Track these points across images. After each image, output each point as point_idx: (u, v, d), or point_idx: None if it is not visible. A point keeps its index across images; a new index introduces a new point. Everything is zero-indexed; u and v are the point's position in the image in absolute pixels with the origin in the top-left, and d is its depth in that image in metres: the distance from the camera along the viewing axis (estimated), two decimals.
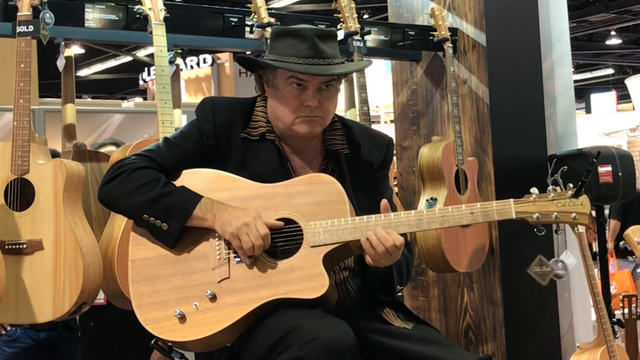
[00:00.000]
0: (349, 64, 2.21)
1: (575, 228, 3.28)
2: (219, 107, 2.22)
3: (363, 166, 2.27)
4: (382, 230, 2.04)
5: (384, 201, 2.11)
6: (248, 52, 3.74)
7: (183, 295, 2.05)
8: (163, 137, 2.28)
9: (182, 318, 2.03)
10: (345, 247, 2.08)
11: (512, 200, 2.07)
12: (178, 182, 2.13)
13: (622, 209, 7.41)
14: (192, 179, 2.14)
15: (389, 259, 2.06)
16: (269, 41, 2.25)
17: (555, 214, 2.06)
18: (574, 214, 2.06)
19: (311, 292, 1.99)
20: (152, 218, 2.07)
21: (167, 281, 2.07)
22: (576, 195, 2.06)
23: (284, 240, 2.07)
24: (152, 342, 2.12)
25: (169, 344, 2.11)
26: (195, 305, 2.03)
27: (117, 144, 3.56)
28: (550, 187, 2.09)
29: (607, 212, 6.57)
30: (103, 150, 3.54)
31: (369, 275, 2.18)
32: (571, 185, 2.09)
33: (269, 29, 3.14)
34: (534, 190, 2.08)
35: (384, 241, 2.03)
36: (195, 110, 2.23)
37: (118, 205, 2.15)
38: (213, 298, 2.03)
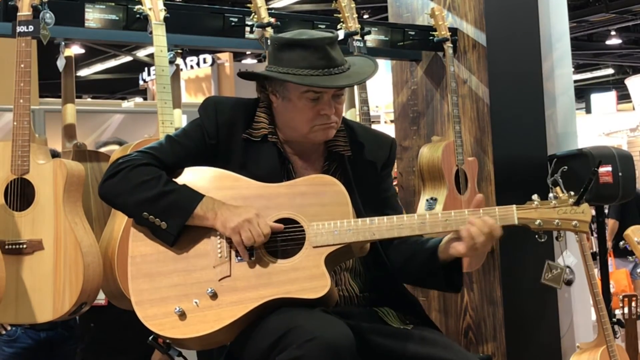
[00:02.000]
0: (359, 66, 2.21)
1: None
2: (222, 106, 2.22)
3: (366, 167, 2.27)
4: (479, 219, 2.04)
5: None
6: (248, 52, 3.74)
7: (183, 292, 2.04)
8: (165, 134, 2.28)
9: (182, 315, 2.03)
10: (347, 249, 2.08)
11: (514, 206, 2.08)
12: (180, 180, 2.13)
13: (621, 209, 7.41)
14: (194, 176, 2.14)
15: (485, 249, 2.06)
16: (271, 51, 2.21)
17: (556, 221, 2.08)
18: (575, 222, 2.08)
19: (313, 292, 1.99)
20: (151, 216, 2.07)
21: (167, 278, 2.06)
22: (577, 203, 2.08)
23: (286, 240, 2.07)
24: (150, 338, 2.12)
25: (167, 341, 2.11)
26: (196, 302, 2.03)
27: (121, 143, 3.56)
28: (551, 195, 2.11)
29: (605, 211, 6.56)
30: (106, 148, 3.54)
31: (437, 270, 2.16)
32: (572, 192, 2.10)
33: (269, 29, 3.14)
34: (536, 196, 2.10)
35: (483, 230, 2.03)
36: (198, 109, 2.22)
37: (118, 201, 2.15)
38: (214, 296, 2.03)
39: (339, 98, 2.18)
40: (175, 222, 2.06)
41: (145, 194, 2.08)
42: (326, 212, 2.07)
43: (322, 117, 2.15)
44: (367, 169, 2.27)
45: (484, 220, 2.04)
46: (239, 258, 2.06)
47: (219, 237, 2.08)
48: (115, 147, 3.49)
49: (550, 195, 2.11)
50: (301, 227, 2.06)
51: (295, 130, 2.19)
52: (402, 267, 2.23)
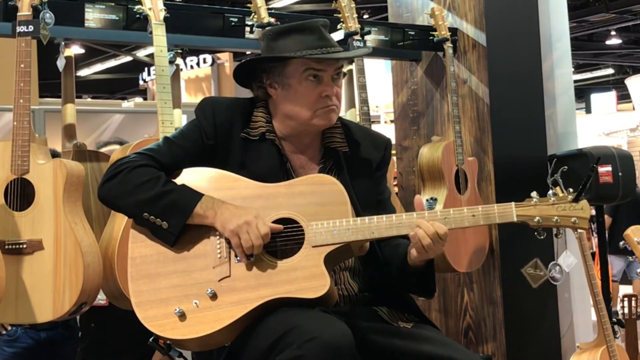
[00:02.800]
0: (354, 50, 2.31)
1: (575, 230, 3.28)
2: (219, 107, 2.22)
3: (362, 164, 2.28)
4: (425, 221, 2.05)
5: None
6: (248, 52, 3.74)
7: (183, 293, 2.04)
8: (163, 136, 2.28)
9: (182, 316, 2.03)
10: (346, 248, 2.08)
11: (513, 203, 2.09)
12: (179, 181, 2.13)
13: (615, 206, 7.42)
14: (193, 177, 2.14)
15: (433, 250, 2.06)
16: (264, 44, 2.22)
17: (555, 217, 2.08)
18: (574, 219, 2.09)
19: (312, 292, 1.99)
20: (152, 216, 2.07)
21: (167, 279, 2.06)
22: (576, 199, 2.09)
23: (285, 239, 2.07)
24: (151, 339, 2.12)
25: (168, 342, 2.11)
26: (196, 303, 2.03)
27: (122, 143, 3.56)
28: (550, 192, 2.11)
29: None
30: (108, 148, 3.54)
31: (409, 276, 2.17)
32: (571, 190, 2.11)
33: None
34: (535, 194, 2.10)
35: (428, 232, 2.03)
36: (195, 110, 2.23)
37: (118, 203, 2.15)
38: (214, 296, 2.03)
39: (338, 80, 2.20)
40: (176, 222, 2.06)
41: (145, 195, 2.08)
42: (325, 211, 2.07)
43: (324, 100, 2.16)
44: (363, 167, 2.28)
45: (431, 223, 2.05)
46: (238, 258, 2.06)
47: (218, 237, 2.08)
48: (117, 147, 3.49)
49: (550, 192, 2.11)
50: (300, 226, 2.06)
51: (297, 119, 2.19)
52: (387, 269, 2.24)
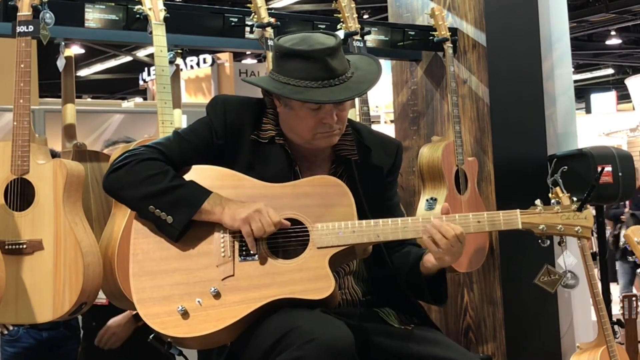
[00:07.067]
0: (363, 72, 2.17)
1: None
2: (230, 106, 2.21)
3: (372, 171, 2.26)
4: (439, 221, 2.05)
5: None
6: (248, 52, 3.74)
7: (186, 291, 2.04)
8: (173, 130, 2.28)
9: (185, 314, 2.02)
10: (351, 250, 2.08)
11: (518, 211, 2.10)
12: (185, 177, 2.13)
13: None
14: (199, 174, 2.14)
15: (451, 252, 2.05)
16: (274, 57, 2.19)
17: (560, 226, 2.11)
18: (578, 227, 2.12)
19: (317, 293, 1.99)
20: (157, 210, 2.06)
21: (170, 276, 2.06)
22: (580, 209, 2.11)
23: (289, 240, 2.07)
24: (151, 337, 2.11)
25: (169, 339, 2.10)
26: (199, 301, 2.03)
27: (130, 142, 3.55)
28: (553, 200, 2.14)
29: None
30: (114, 147, 3.53)
31: (421, 284, 2.17)
32: (575, 198, 2.13)
33: (269, 29, 3.14)
34: (539, 201, 2.13)
35: (445, 233, 2.03)
36: (206, 107, 2.22)
37: (123, 194, 2.14)
38: (217, 295, 2.03)
39: (342, 105, 2.15)
40: (182, 217, 2.06)
41: (152, 188, 2.07)
42: (330, 213, 2.07)
43: (324, 126, 2.14)
44: (373, 173, 2.27)
45: (450, 225, 2.04)
46: (242, 257, 2.06)
47: (222, 236, 2.08)
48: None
49: (553, 200, 2.14)
50: (305, 227, 2.06)
51: (298, 136, 2.18)
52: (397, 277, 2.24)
